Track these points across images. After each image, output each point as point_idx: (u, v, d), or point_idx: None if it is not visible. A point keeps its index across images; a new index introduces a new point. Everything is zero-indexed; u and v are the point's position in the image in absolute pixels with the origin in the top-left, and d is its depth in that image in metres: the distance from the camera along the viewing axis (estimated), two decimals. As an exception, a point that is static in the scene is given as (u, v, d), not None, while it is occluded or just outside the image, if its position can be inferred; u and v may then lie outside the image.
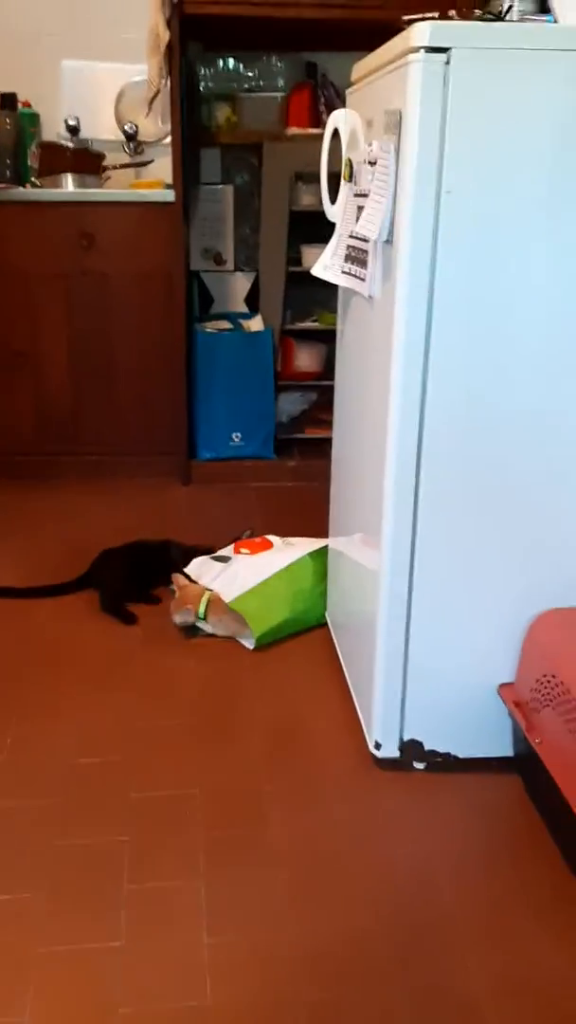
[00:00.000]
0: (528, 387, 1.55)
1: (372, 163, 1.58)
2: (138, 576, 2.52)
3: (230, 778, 1.77)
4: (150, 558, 2.57)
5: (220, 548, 2.52)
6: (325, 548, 2.37)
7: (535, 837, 1.62)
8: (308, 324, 3.56)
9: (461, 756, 1.78)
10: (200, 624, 2.27)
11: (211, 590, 2.27)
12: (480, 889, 1.51)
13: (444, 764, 1.78)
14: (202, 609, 2.25)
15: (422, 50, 1.38)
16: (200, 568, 2.40)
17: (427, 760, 1.78)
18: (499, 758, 1.77)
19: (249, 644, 2.24)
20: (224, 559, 2.40)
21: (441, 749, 1.77)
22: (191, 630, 2.30)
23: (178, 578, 2.35)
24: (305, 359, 3.57)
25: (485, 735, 1.76)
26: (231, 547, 2.46)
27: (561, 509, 1.63)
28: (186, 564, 2.45)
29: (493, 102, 1.41)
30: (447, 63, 1.39)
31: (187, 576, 2.38)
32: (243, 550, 2.42)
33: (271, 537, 2.50)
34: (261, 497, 3.32)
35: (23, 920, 1.43)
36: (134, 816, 1.66)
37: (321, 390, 3.68)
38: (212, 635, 2.28)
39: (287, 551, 2.40)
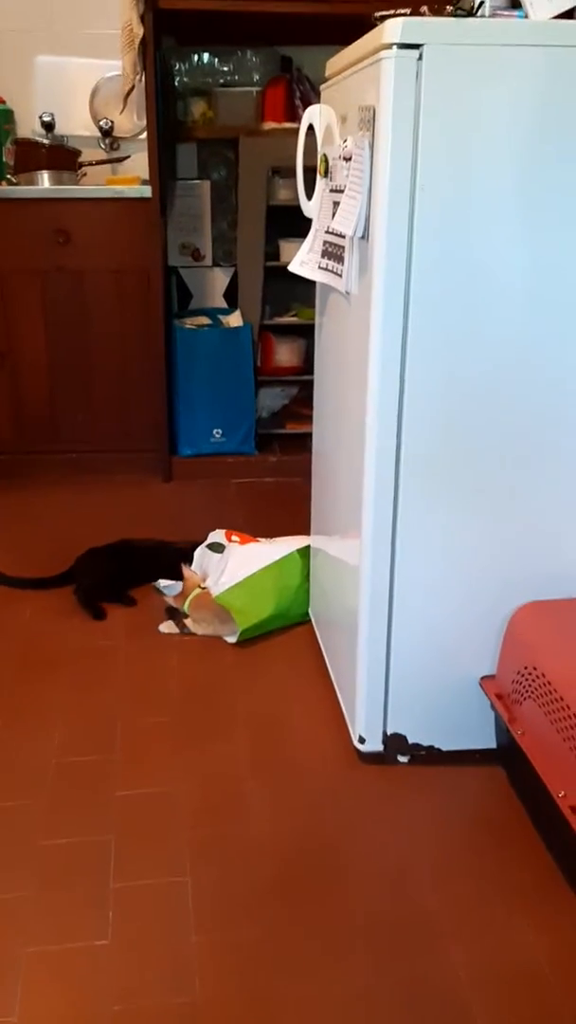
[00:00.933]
0: (506, 384, 1.56)
1: (347, 159, 1.58)
2: (120, 576, 2.52)
3: (214, 775, 1.77)
4: (135, 558, 2.57)
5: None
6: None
7: (518, 827, 1.64)
8: (287, 319, 3.56)
9: (444, 749, 1.79)
10: (186, 622, 2.27)
11: (204, 587, 2.26)
12: (464, 880, 1.52)
13: (428, 757, 1.79)
14: (186, 605, 2.25)
15: (394, 46, 1.39)
16: (201, 559, 2.42)
17: (411, 753, 1.79)
18: (482, 750, 1.79)
19: (231, 639, 2.24)
20: (219, 547, 2.40)
21: (425, 742, 1.78)
22: (174, 613, 2.30)
23: (185, 569, 2.35)
24: (284, 354, 3.57)
25: (468, 728, 1.78)
26: (222, 533, 2.46)
27: (539, 504, 1.64)
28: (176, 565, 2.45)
29: (466, 97, 1.41)
30: (419, 59, 1.39)
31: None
32: (234, 538, 2.43)
33: (258, 539, 2.50)
34: (243, 493, 3.32)
35: (10, 920, 1.43)
36: (119, 814, 1.66)
37: (301, 385, 3.69)
38: (193, 634, 2.28)
39: (275, 546, 2.41)
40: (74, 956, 1.37)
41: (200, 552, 2.43)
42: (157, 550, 2.59)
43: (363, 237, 1.55)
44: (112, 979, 1.33)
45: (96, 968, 1.35)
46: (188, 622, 2.28)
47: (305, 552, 2.38)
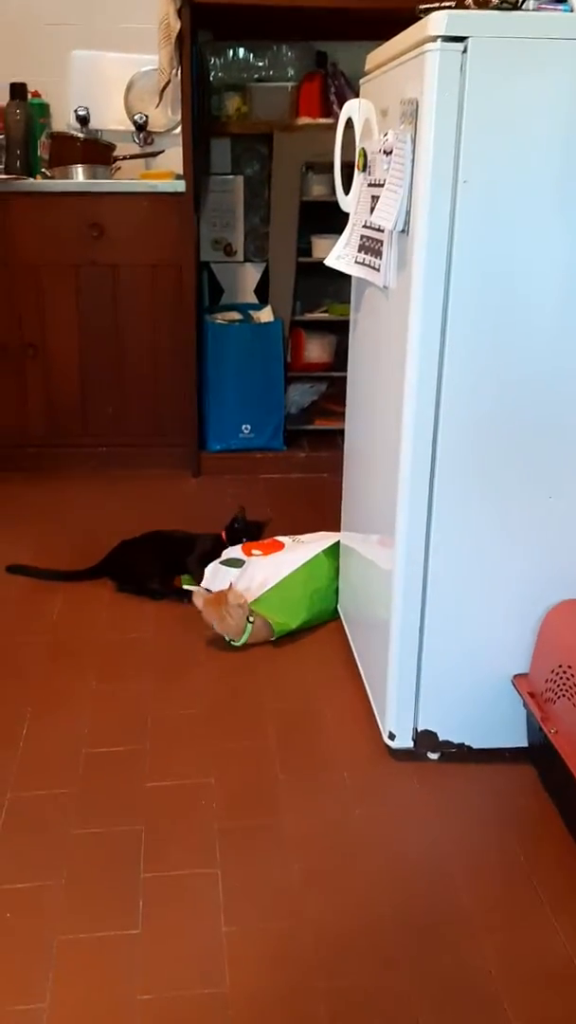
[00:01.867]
0: (545, 375, 1.55)
1: (388, 152, 1.58)
2: (160, 567, 2.53)
3: (245, 767, 1.78)
4: (170, 549, 2.57)
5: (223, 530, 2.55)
6: (338, 544, 2.36)
7: (549, 826, 1.63)
8: (318, 315, 3.56)
9: (475, 746, 1.78)
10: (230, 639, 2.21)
11: (252, 621, 2.18)
12: (494, 877, 1.51)
13: (458, 754, 1.79)
14: (244, 639, 2.18)
15: (439, 39, 1.38)
16: (214, 576, 2.36)
17: (441, 750, 1.79)
18: (513, 748, 1.78)
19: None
20: (237, 562, 2.37)
21: (455, 739, 1.78)
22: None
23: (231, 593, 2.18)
24: (315, 350, 3.57)
25: (499, 725, 1.77)
26: (239, 548, 2.45)
27: (576, 500, 1.63)
28: (212, 555, 2.44)
29: (510, 91, 1.40)
30: (464, 52, 1.38)
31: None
32: (255, 552, 2.40)
33: (281, 538, 2.48)
34: (271, 489, 3.32)
35: (43, 908, 1.44)
36: (150, 805, 1.67)
37: (331, 381, 3.68)
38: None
39: (300, 549, 2.39)
40: (105, 945, 1.38)
41: (212, 568, 2.38)
42: (191, 540, 2.59)
43: (403, 231, 1.54)
44: (142, 968, 1.34)
45: (126, 957, 1.36)
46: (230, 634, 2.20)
47: (331, 552, 2.37)
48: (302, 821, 1.64)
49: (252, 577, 2.29)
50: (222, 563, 2.39)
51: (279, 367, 3.42)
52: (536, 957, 1.36)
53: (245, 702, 2.00)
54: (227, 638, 2.20)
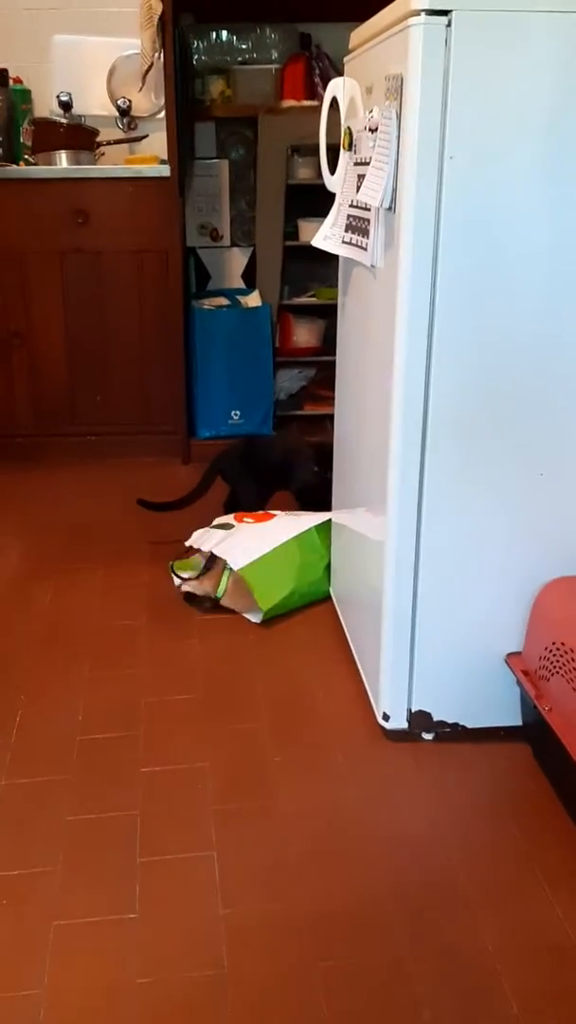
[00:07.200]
0: (535, 352, 1.54)
1: (373, 130, 1.56)
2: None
3: (239, 751, 1.77)
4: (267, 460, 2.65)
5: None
6: (330, 521, 2.35)
7: (544, 803, 1.63)
8: (306, 299, 3.54)
9: (470, 726, 1.78)
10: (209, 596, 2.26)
11: (231, 569, 2.22)
12: (490, 854, 1.51)
13: (453, 734, 1.78)
14: (222, 588, 2.22)
15: (423, 13, 1.37)
16: (202, 536, 2.37)
17: (435, 730, 1.79)
18: (508, 727, 1.78)
19: (255, 618, 2.23)
20: (227, 526, 2.37)
21: (449, 719, 1.78)
22: (194, 599, 2.30)
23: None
24: (303, 334, 3.55)
25: (493, 705, 1.77)
26: (232, 516, 2.44)
27: (569, 476, 1.62)
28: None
29: (495, 64, 1.39)
30: (448, 26, 1.37)
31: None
32: (246, 519, 2.41)
33: (275, 512, 2.49)
34: (262, 474, 3.31)
35: (39, 894, 1.44)
36: (145, 790, 1.66)
37: (319, 366, 3.66)
38: (217, 610, 2.27)
39: (293, 521, 2.39)
40: (101, 929, 1.37)
41: (201, 531, 2.39)
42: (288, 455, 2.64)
43: (390, 209, 1.53)
44: (139, 952, 1.33)
45: (123, 941, 1.35)
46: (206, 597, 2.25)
47: (323, 528, 2.36)
48: (297, 803, 1.63)
49: (239, 542, 2.28)
50: (212, 527, 2.39)
51: (268, 352, 3.41)
52: (533, 933, 1.36)
53: (238, 686, 1.99)
54: (210, 595, 2.23)
